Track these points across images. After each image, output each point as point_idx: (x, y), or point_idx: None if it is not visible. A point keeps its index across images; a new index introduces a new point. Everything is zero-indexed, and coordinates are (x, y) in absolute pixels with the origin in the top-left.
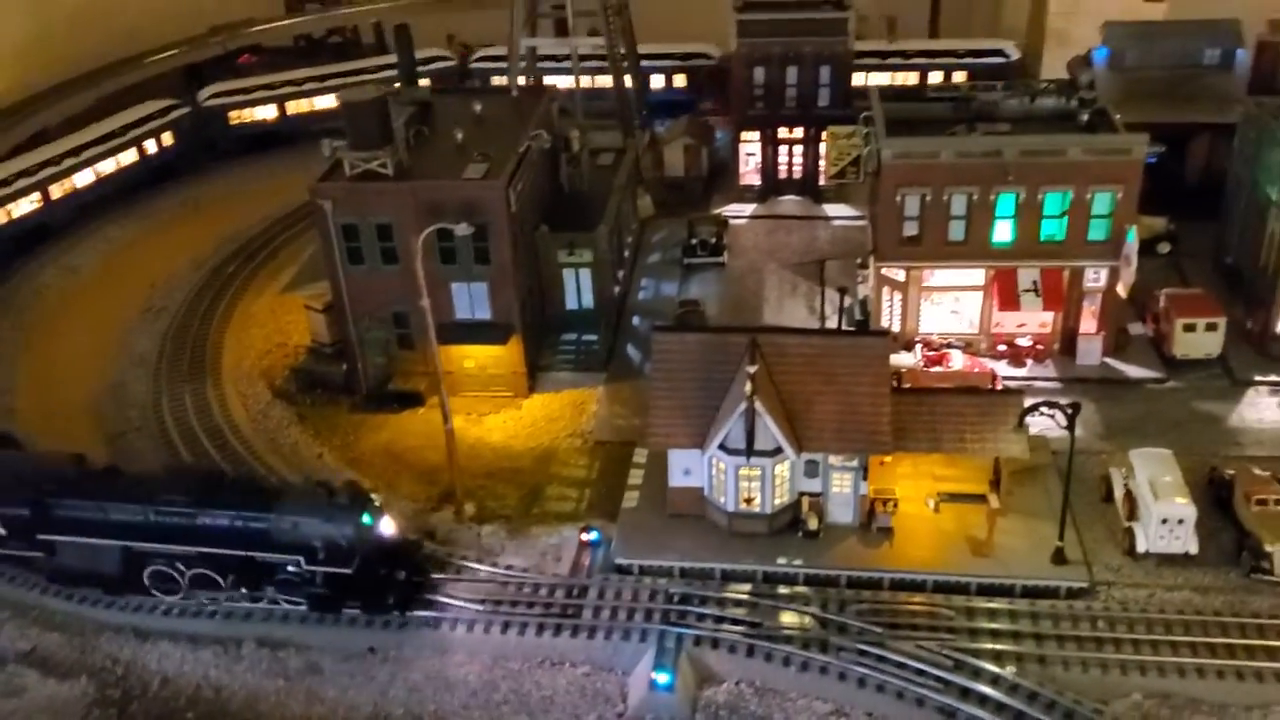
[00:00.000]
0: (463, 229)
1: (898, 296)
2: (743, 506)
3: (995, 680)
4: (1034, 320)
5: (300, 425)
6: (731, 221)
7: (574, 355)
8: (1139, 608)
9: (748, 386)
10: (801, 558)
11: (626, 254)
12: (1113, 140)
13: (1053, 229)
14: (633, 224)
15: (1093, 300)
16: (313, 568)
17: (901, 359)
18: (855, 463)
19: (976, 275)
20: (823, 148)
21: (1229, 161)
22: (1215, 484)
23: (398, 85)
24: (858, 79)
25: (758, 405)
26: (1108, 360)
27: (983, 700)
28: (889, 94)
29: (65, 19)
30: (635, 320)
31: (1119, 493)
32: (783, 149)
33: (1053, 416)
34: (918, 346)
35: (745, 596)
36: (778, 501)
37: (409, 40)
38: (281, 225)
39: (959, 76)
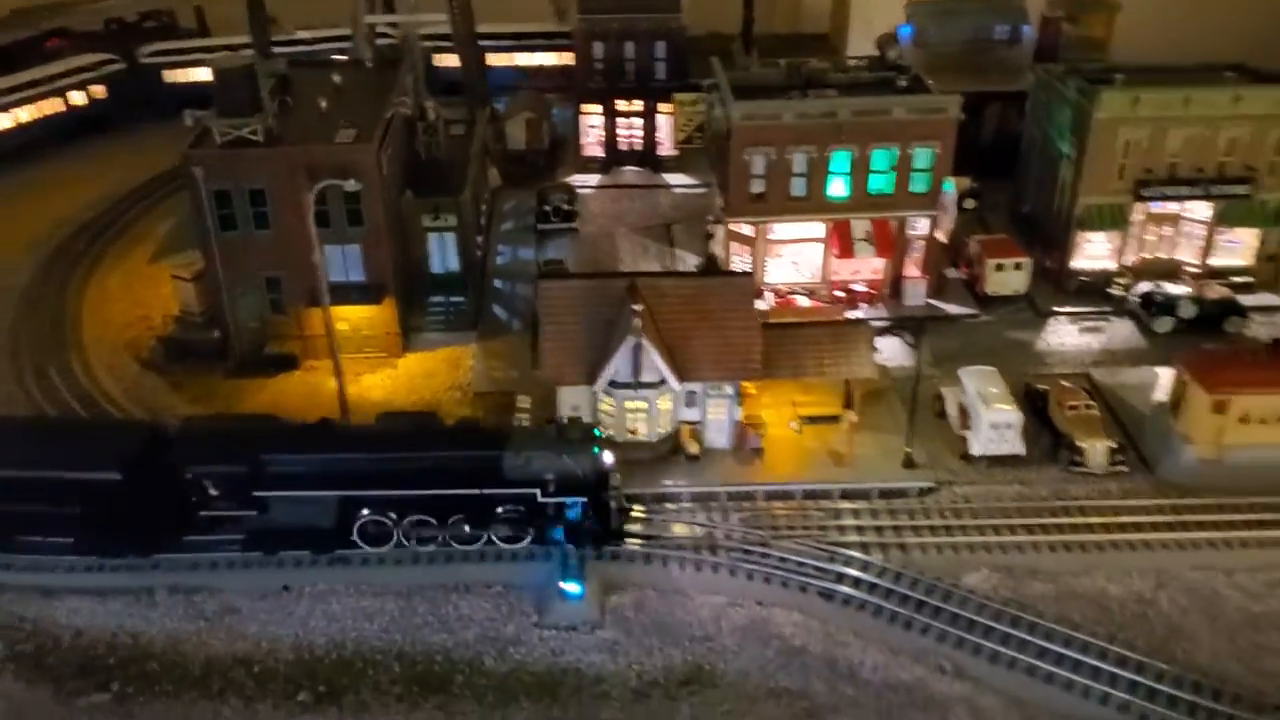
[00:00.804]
0: (351, 184)
1: (747, 250)
2: (629, 436)
3: (865, 566)
4: (867, 267)
5: (177, 393)
6: (580, 192)
7: (444, 316)
8: (979, 500)
9: (635, 323)
10: (685, 479)
11: (483, 221)
12: (931, 100)
13: (881, 183)
14: (486, 193)
15: (917, 247)
16: (548, 499)
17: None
18: (730, 390)
19: (816, 228)
20: (660, 119)
21: (1021, 124)
22: (1031, 397)
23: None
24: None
25: (644, 341)
26: (930, 301)
27: (856, 582)
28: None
29: None
30: (497, 283)
31: (951, 408)
32: (622, 121)
33: (902, 336)
34: (768, 295)
35: (640, 514)
36: (661, 431)
37: (263, 13)
38: (120, 208)
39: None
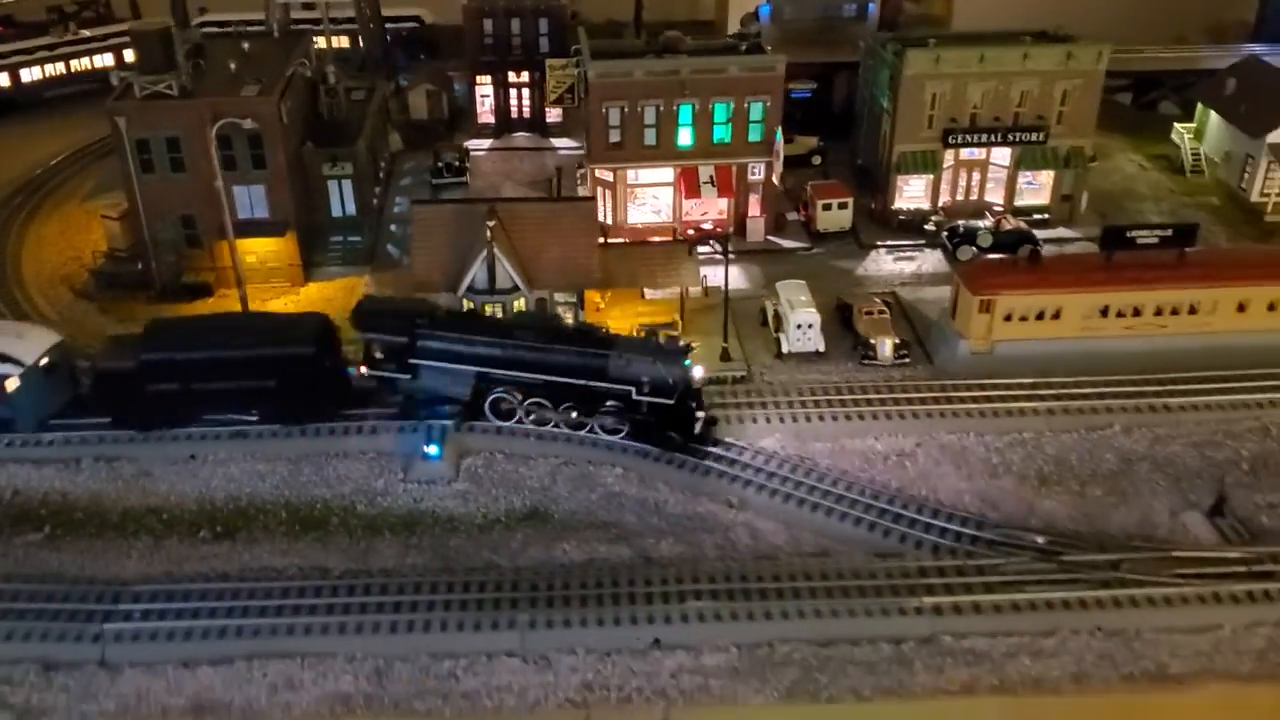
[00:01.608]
0: (248, 123)
1: (609, 194)
2: None
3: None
4: (713, 208)
5: (106, 316)
6: (473, 153)
7: (341, 252)
8: (782, 386)
9: (487, 234)
10: None
11: (382, 175)
12: (760, 59)
13: (722, 133)
14: (386, 152)
15: (756, 190)
16: (640, 398)
17: None
18: (574, 298)
19: (667, 173)
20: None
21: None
22: (840, 308)
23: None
24: None
25: (496, 250)
26: (770, 237)
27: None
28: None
29: None
30: (393, 227)
31: (770, 314)
32: (513, 91)
33: (711, 244)
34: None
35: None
36: None
37: None
38: (53, 169)
39: None
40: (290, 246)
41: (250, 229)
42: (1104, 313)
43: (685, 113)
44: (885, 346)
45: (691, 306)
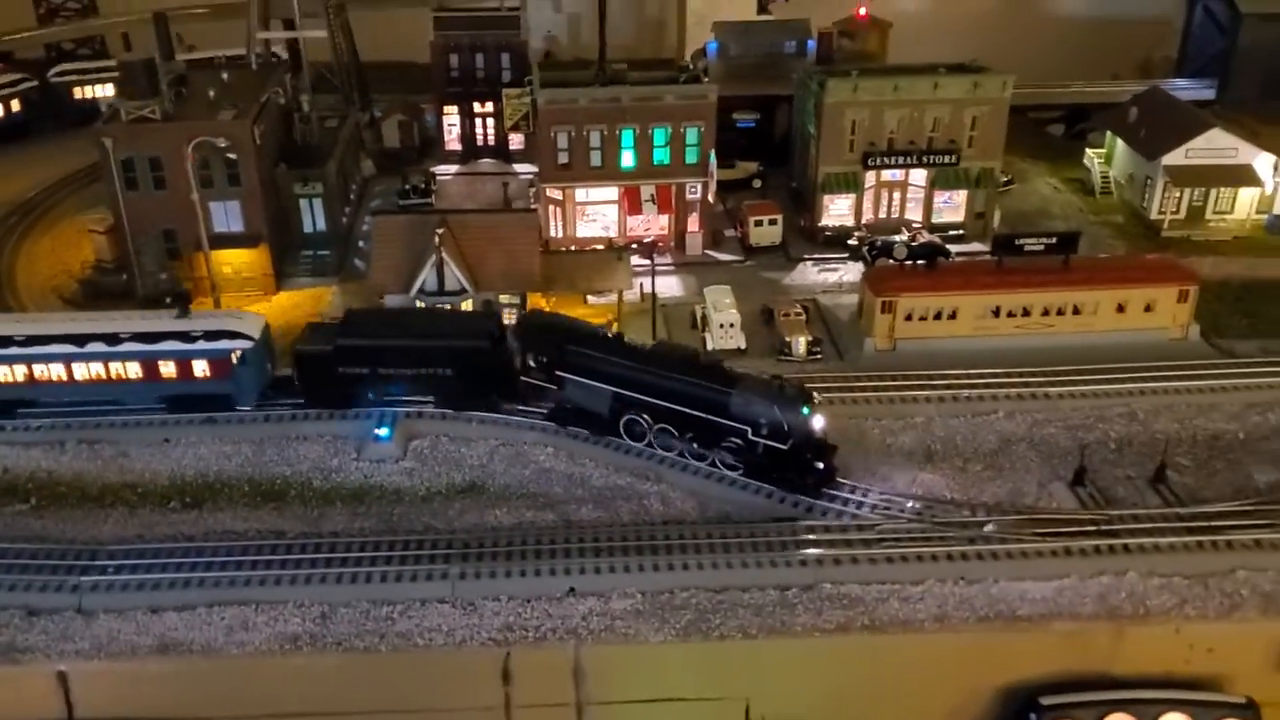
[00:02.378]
0: (221, 141)
1: (559, 211)
2: None
3: None
4: (655, 224)
5: None
6: (440, 177)
7: (311, 264)
8: None
9: (436, 241)
10: None
11: (354, 197)
12: (694, 88)
13: (661, 155)
14: (359, 176)
15: (694, 207)
16: (756, 439)
17: None
18: (517, 300)
19: (611, 192)
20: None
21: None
22: (765, 313)
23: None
24: None
25: (445, 256)
26: (707, 251)
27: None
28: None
29: None
30: (361, 244)
31: (698, 317)
32: (478, 120)
33: (640, 255)
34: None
35: None
36: None
37: (166, 24)
38: (46, 193)
39: None
40: (263, 258)
41: (226, 241)
42: (996, 313)
43: (627, 136)
44: (799, 344)
45: (629, 310)
